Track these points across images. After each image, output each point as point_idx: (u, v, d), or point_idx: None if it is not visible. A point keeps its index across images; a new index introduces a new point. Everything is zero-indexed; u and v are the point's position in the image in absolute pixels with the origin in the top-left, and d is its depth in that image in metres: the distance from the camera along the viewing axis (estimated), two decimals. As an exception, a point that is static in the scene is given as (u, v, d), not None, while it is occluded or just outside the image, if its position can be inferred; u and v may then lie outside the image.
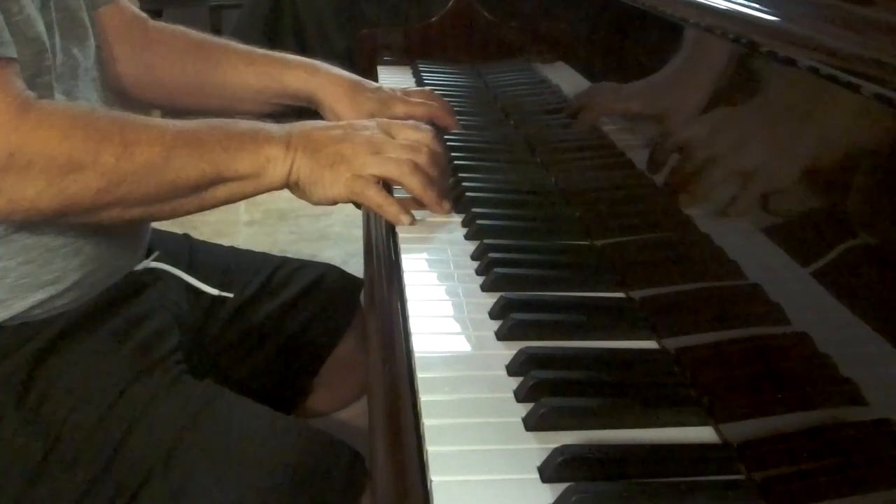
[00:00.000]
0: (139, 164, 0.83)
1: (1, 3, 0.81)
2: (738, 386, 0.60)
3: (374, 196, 0.90)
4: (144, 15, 1.18)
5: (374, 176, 0.90)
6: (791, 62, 0.57)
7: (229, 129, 0.89)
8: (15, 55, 0.81)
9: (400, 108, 1.13)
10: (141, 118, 0.87)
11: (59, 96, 0.90)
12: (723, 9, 0.68)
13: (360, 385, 1.21)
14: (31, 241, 0.88)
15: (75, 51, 0.96)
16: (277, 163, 0.89)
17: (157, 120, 0.88)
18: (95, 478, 0.84)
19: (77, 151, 0.81)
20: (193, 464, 0.85)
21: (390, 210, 0.90)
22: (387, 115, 1.09)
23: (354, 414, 1.25)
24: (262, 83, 1.14)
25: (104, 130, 0.83)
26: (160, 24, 1.19)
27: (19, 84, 0.81)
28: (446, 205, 0.94)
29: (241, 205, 2.78)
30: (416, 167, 0.91)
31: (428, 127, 0.99)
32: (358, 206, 0.96)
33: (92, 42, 1.00)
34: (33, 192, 0.80)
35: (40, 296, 0.90)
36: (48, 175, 0.80)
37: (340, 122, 0.97)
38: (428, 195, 0.92)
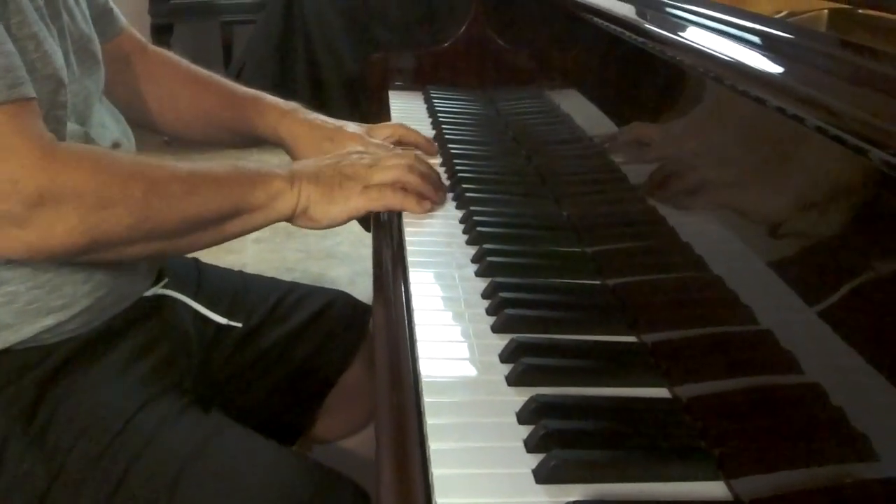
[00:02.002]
0: (165, 199, 0.87)
1: (18, 42, 0.82)
2: (749, 438, 0.60)
3: (392, 196, 0.99)
4: (144, 41, 1.23)
5: (381, 182, 0.99)
6: (798, 119, 0.57)
7: (239, 167, 0.96)
8: (34, 95, 0.82)
9: (357, 147, 1.16)
10: (156, 158, 0.92)
11: (72, 126, 0.91)
12: (729, 61, 0.68)
13: (367, 413, 1.21)
14: (40, 267, 0.88)
15: (89, 80, 0.97)
16: (286, 194, 0.95)
17: (170, 160, 0.92)
18: None
19: (106, 188, 0.83)
20: (197, 496, 0.85)
21: (410, 203, 1.01)
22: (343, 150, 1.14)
23: (360, 442, 1.24)
24: (238, 125, 1.22)
25: (128, 169, 0.87)
26: (157, 50, 1.24)
27: (40, 124, 0.82)
28: (442, 195, 1.06)
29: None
30: (411, 167, 1.02)
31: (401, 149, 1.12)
32: (367, 228, 1.02)
33: (103, 71, 1.02)
34: (64, 229, 0.81)
35: (49, 321, 0.90)
36: (79, 212, 0.82)
37: (328, 154, 1.07)
38: (427, 187, 1.03)
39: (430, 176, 1.04)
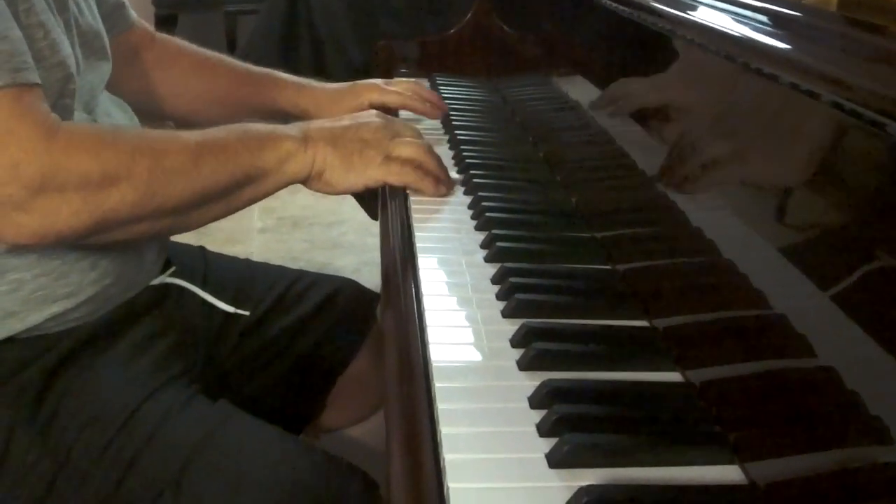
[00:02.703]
0: (171, 172, 0.85)
1: (26, 30, 0.82)
2: (763, 422, 0.59)
3: (412, 173, 0.98)
4: (152, 31, 1.22)
5: (401, 157, 0.97)
6: (812, 95, 0.56)
7: (247, 130, 0.92)
8: (38, 81, 0.81)
9: (374, 96, 1.21)
10: (161, 131, 0.90)
11: (79, 114, 0.90)
12: (739, 37, 0.67)
13: (375, 401, 1.21)
14: (46, 254, 0.88)
15: (93, 74, 0.96)
16: (298, 156, 0.93)
17: (176, 131, 0.91)
18: (106, 497, 0.84)
19: (110, 165, 0.81)
20: (204, 486, 0.84)
21: (428, 185, 0.99)
22: (363, 105, 1.19)
23: (368, 430, 1.24)
24: (258, 101, 1.22)
25: (133, 143, 0.85)
26: (164, 38, 1.23)
27: (43, 108, 0.81)
28: (451, 185, 1.04)
29: (255, 212, 2.78)
30: (429, 149, 1.00)
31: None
32: (374, 216, 0.99)
33: (109, 65, 1.01)
34: (69, 212, 0.80)
35: (55, 309, 0.89)
36: (83, 193, 0.80)
37: (343, 116, 1.02)
38: (443, 171, 1.01)
39: (442, 164, 1.03)
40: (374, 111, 1.06)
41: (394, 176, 0.97)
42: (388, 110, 1.20)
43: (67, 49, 0.88)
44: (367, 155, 0.96)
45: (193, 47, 1.23)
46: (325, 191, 0.97)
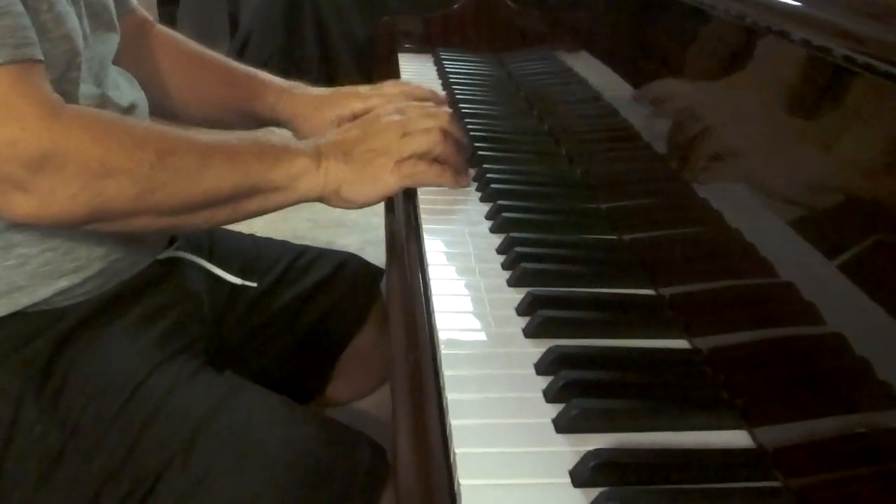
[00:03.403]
0: (174, 171, 0.83)
1: (29, 2, 0.80)
2: (771, 388, 0.59)
3: (427, 171, 0.92)
4: (151, 20, 1.20)
5: (413, 155, 0.91)
6: (826, 51, 0.55)
7: (261, 142, 0.90)
8: (41, 57, 0.80)
9: (356, 104, 1.12)
10: (173, 128, 0.88)
11: (88, 87, 0.90)
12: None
13: (380, 374, 1.21)
14: (53, 229, 0.87)
15: (102, 46, 0.95)
16: (311, 174, 0.89)
17: (189, 131, 0.88)
18: (114, 468, 0.84)
19: (111, 155, 0.80)
20: (213, 456, 0.84)
21: (446, 179, 0.94)
22: (346, 113, 1.11)
23: (373, 403, 1.24)
24: (239, 105, 1.17)
25: (138, 137, 0.83)
26: (160, 29, 1.21)
27: (46, 86, 0.80)
28: (469, 174, 0.98)
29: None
30: (446, 133, 0.93)
31: (429, 101, 1.04)
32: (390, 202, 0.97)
33: (117, 38, 1.00)
34: (66, 195, 0.79)
35: (62, 283, 0.89)
36: (83, 178, 0.79)
37: (355, 122, 0.98)
38: (460, 160, 0.95)
39: (462, 142, 0.97)
40: (381, 107, 1.00)
41: (408, 179, 0.92)
42: None
43: (74, 21, 0.87)
44: (378, 164, 0.91)
45: (185, 41, 1.20)
46: (344, 206, 0.93)
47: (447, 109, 0.98)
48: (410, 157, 0.91)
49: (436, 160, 0.93)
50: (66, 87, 0.85)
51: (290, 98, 1.15)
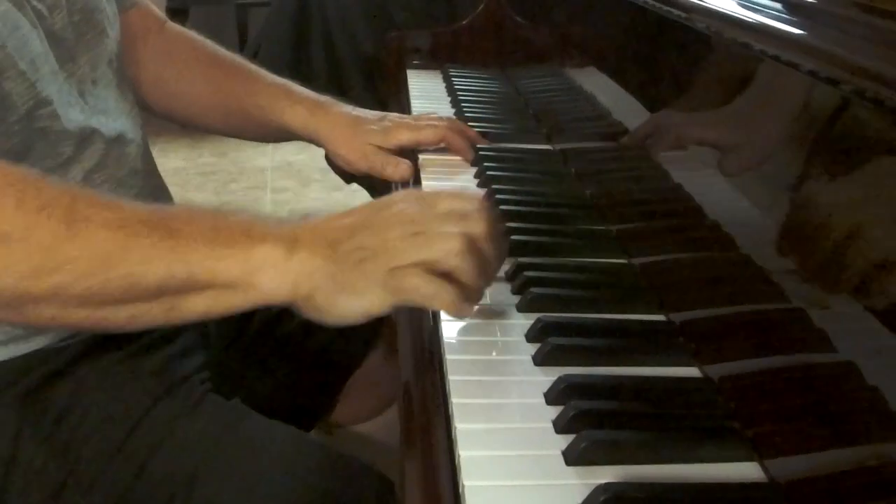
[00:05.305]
0: (85, 247, 0.67)
1: None
2: (783, 419, 0.58)
3: (419, 287, 0.67)
4: (163, 18, 1.14)
5: (416, 263, 0.67)
6: (832, 82, 0.55)
7: (217, 219, 0.70)
8: None
9: (404, 135, 1.06)
10: (108, 195, 0.74)
11: (73, 111, 0.86)
12: (752, 22, 0.66)
13: (388, 396, 1.20)
14: None
15: (91, 51, 0.91)
16: (276, 269, 0.68)
17: (128, 201, 0.72)
18: (116, 502, 0.82)
19: (3, 215, 0.66)
20: (217, 488, 0.82)
21: (444, 302, 0.68)
22: (391, 144, 1.05)
23: (380, 425, 1.23)
24: (265, 116, 1.08)
25: (47, 200, 0.67)
26: (173, 27, 1.14)
27: None
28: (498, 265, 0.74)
29: (267, 205, 2.77)
30: (472, 245, 0.68)
31: (473, 191, 0.85)
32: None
33: (109, 45, 0.94)
34: None
35: (62, 332, 0.86)
36: None
37: (360, 205, 0.74)
38: (477, 284, 0.69)
39: (490, 263, 0.71)
40: (405, 192, 0.81)
41: (399, 294, 0.67)
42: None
43: (37, 46, 0.80)
44: (366, 269, 0.67)
45: (208, 43, 1.13)
46: (317, 318, 0.70)
47: (488, 211, 0.72)
48: (412, 265, 0.67)
49: (446, 274, 0.68)
50: (42, 124, 0.80)
51: (324, 115, 1.06)
